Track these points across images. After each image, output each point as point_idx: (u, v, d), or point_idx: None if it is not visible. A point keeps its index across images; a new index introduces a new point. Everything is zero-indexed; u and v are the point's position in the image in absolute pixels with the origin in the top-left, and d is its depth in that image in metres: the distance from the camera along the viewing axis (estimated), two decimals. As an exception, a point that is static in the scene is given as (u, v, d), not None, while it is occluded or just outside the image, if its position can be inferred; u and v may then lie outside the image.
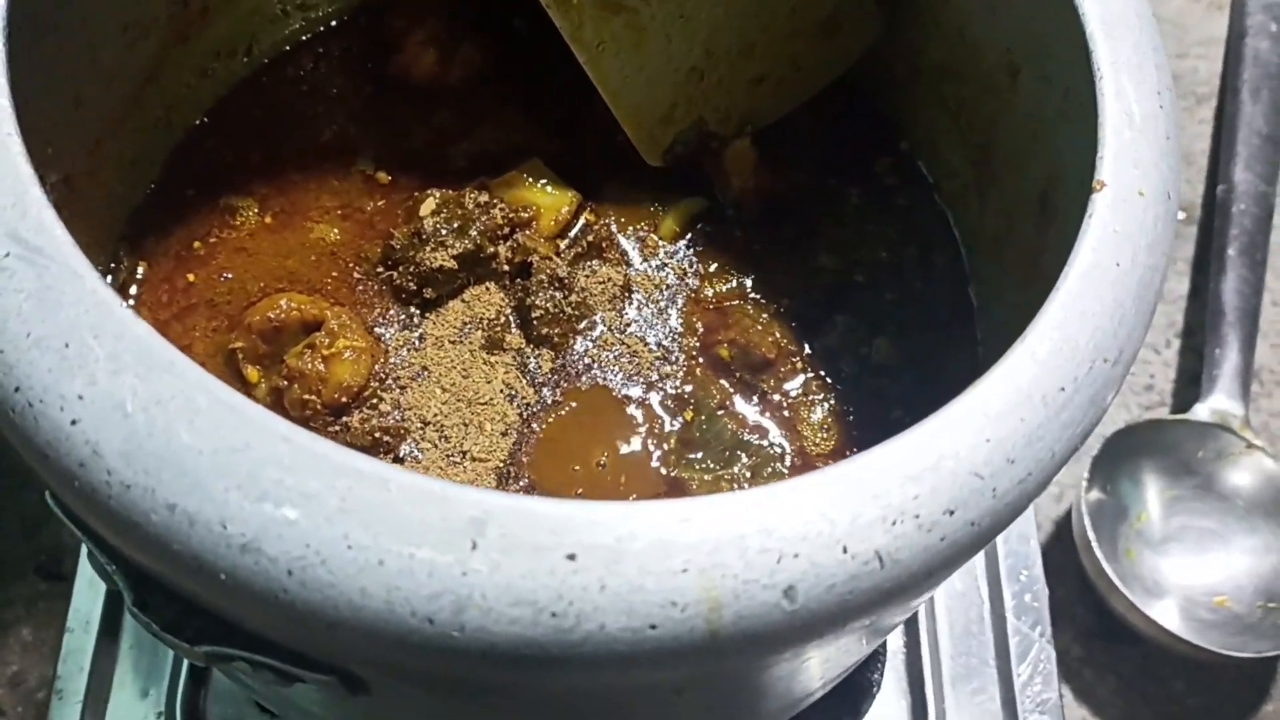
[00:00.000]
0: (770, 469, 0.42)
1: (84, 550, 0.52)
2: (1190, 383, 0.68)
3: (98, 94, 0.40)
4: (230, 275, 0.44)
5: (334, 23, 0.50)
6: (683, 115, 0.44)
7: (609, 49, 0.42)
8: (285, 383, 0.41)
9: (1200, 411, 0.64)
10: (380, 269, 0.44)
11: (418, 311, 0.43)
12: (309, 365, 0.41)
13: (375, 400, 0.41)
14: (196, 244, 0.44)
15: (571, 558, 0.24)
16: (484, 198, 0.44)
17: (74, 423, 0.25)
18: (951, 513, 0.25)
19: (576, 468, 0.41)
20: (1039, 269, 0.39)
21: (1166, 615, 0.60)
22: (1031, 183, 0.40)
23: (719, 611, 0.24)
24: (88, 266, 0.26)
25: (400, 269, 0.43)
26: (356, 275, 0.44)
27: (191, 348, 0.43)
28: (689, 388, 0.43)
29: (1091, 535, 0.59)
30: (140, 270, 0.44)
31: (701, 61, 0.43)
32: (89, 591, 0.50)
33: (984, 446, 0.26)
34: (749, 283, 0.45)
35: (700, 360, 0.44)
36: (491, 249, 0.44)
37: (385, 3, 0.49)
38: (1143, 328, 0.30)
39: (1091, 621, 0.62)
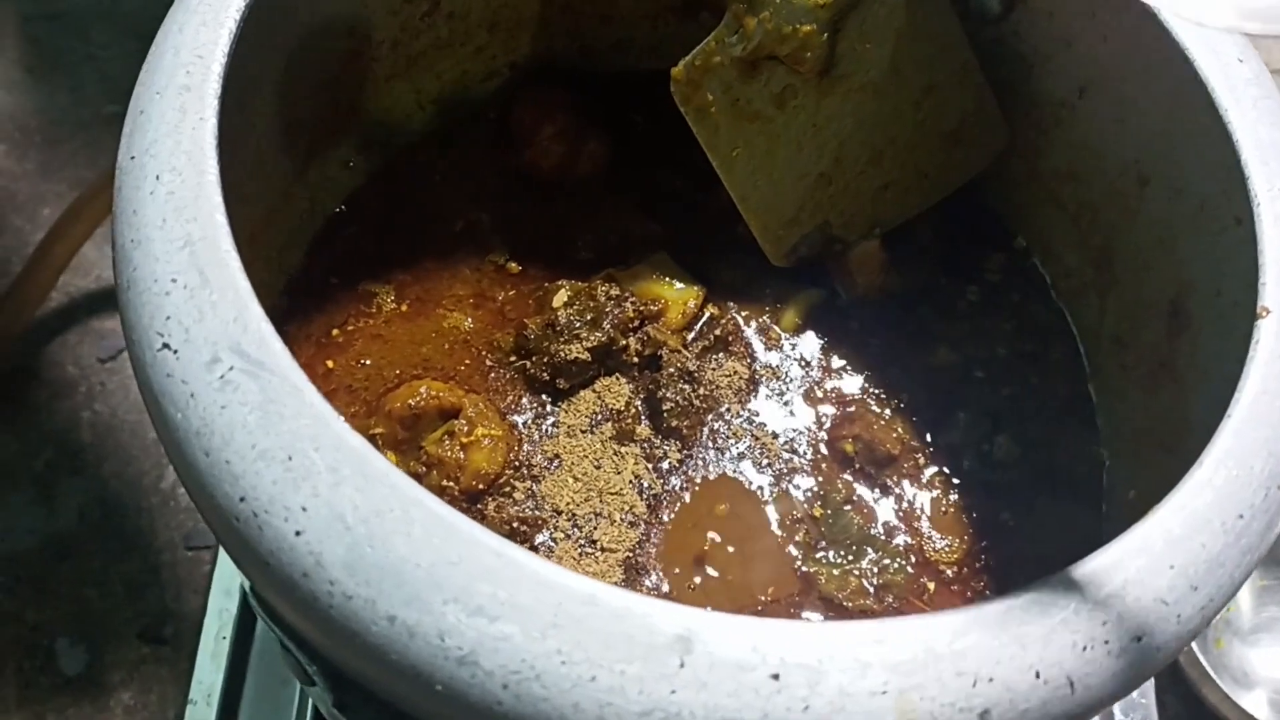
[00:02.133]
0: (896, 565, 0.43)
1: (206, 623, 0.53)
2: None
3: (257, 191, 0.42)
4: (368, 361, 0.45)
5: (464, 117, 0.51)
6: (808, 218, 0.46)
7: (742, 155, 0.43)
8: (424, 469, 0.42)
9: (1295, 502, 0.64)
10: (513, 358, 0.45)
11: (550, 400, 0.45)
12: (448, 452, 0.42)
13: (509, 488, 0.42)
14: (335, 331, 0.46)
15: (775, 677, 0.25)
16: (615, 290, 0.45)
17: (298, 533, 0.26)
18: (1139, 639, 0.26)
19: (704, 561, 0.42)
20: (1170, 373, 0.40)
21: (1257, 706, 0.60)
22: (1159, 289, 0.41)
23: (918, 734, 0.25)
24: (305, 380, 0.27)
25: (534, 359, 0.44)
26: (489, 363, 0.46)
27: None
28: (815, 481, 0.44)
29: (1189, 626, 0.59)
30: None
31: (830, 168, 0.44)
32: (211, 664, 0.51)
33: (1168, 573, 0.27)
34: (870, 377, 0.46)
35: (825, 454, 0.44)
36: (623, 341, 0.45)
37: (513, 98, 0.51)
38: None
39: (1181, 711, 0.62)
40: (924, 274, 0.49)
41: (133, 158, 0.30)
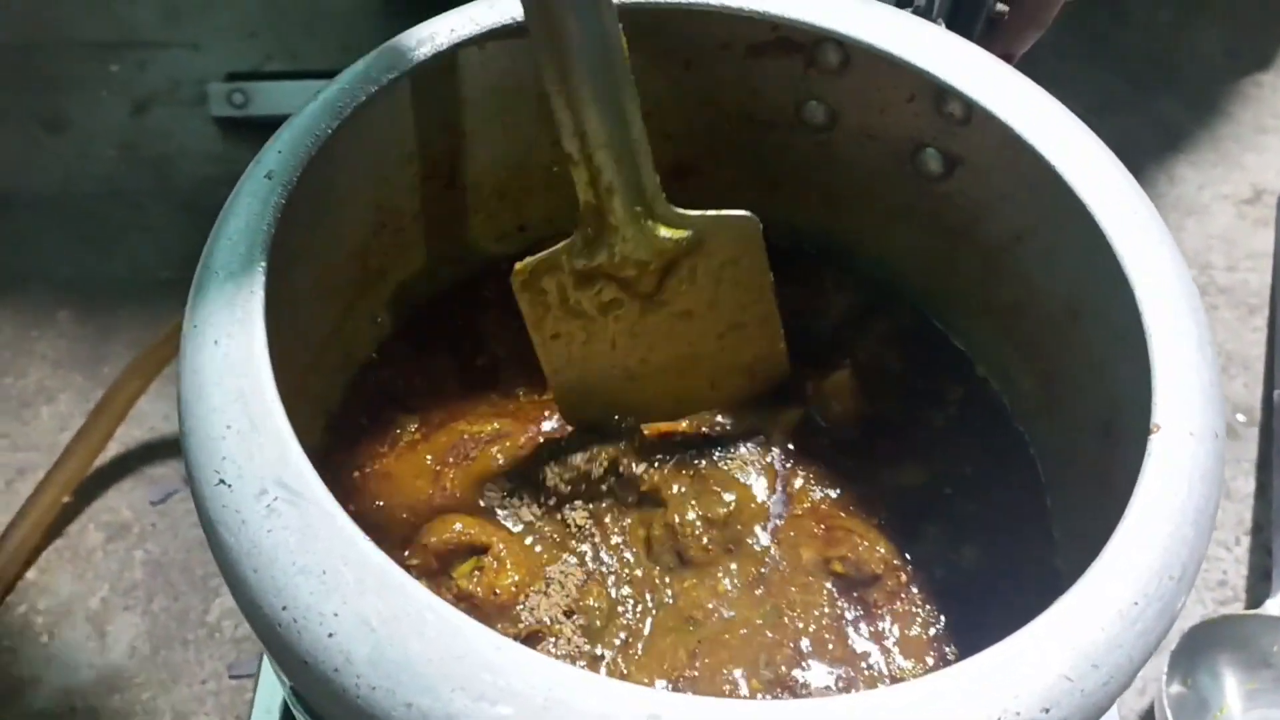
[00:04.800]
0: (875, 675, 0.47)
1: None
2: (1262, 577, 0.72)
3: (293, 350, 0.48)
4: (402, 493, 0.50)
5: (479, 271, 0.58)
6: (605, 400, 0.50)
7: (561, 340, 0.48)
8: (453, 600, 0.47)
9: (1272, 606, 0.67)
10: (528, 491, 0.50)
11: (565, 529, 0.50)
12: (476, 587, 0.46)
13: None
14: (355, 474, 0.51)
15: (733, 749, 0.29)
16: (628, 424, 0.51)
17: (330, 635, 0.31)
18: (1047, 710, 0.30)
19: (687, 661, 0.46)
20: (1107, 487, 0.45)
21: (1254, 809, 0.62)
22: (1094, 411, 0.46)
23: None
24: (337, 507, 0.33)
25: (544, 497, 0.50)
26: (513, 499, 0.50)
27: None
28: (801, 598, 0.48)
29: (1175, 728, 0.62)
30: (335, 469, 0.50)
31: (636, 369, 0.49)
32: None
33: (1070, 652, 0.31)
34: (847, 496, 0.51)
35: (812, 575, 0.49)
36: (634, 476, 0.50)
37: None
38: (1203, 545, 0.35)
39: (1182, 815, 0.64)
40: (893, 400, 0.54)
41: (195, 326, 0.36)
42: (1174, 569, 0.33)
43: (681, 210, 0.45)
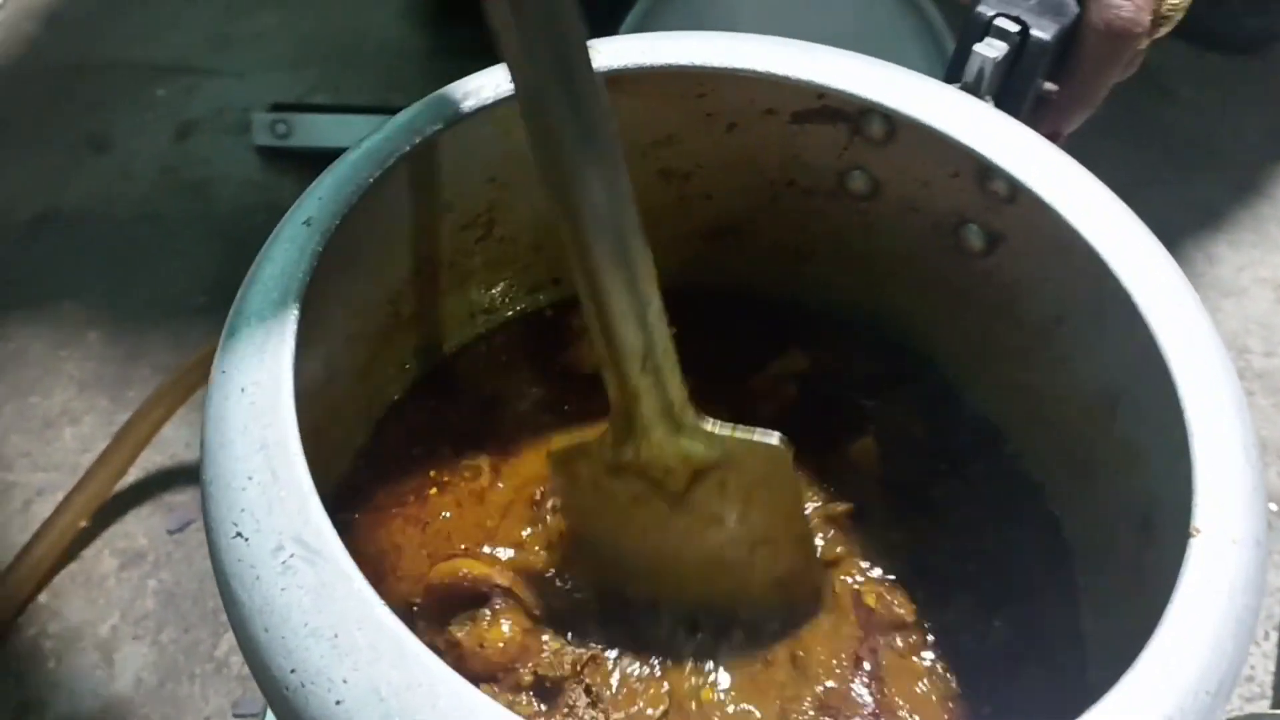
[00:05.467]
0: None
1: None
2: (1291, 675, 0.70)
3: (318, 392, 0.48)
4: (427, 530, 0.50)
5: (513, 321, 0.57)
6: (629, 582, 0.48)
7: (591, 518, 0.47)
8: (444, 646, 0.46)
9: (1302, 707, 0.65)
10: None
11: None
12: (467, 638, 0.46)
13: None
14: (395, 509, 0.50)
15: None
16: None
17: (338, 703, 0.30)
18: (1074, 822, 0.29)
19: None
20: (1140, 586, 0.44)
21: None
22: (1132, 503, 0.45)
23: None
24: (354, 568, 0.32)
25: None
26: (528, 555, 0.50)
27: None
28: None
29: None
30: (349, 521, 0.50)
31: (661, 565, 0.47)
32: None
33: (1103, 765, 0.30)
34: (877, 562, 0.50)
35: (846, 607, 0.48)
36: None
37: (558, 307, 0.57)
38: (1242, 657, 0.34)
39: None
40: (919, 473, 0.53)
41: (223, 372, 0.36)
42: (1210, 683, 0.32)
43: (710, 428, 0.43)
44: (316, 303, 0.40)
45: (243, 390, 0.35)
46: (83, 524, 0.74)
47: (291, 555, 0.32)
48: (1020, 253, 0.49)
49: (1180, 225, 0.96)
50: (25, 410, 0.81)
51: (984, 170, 0.47)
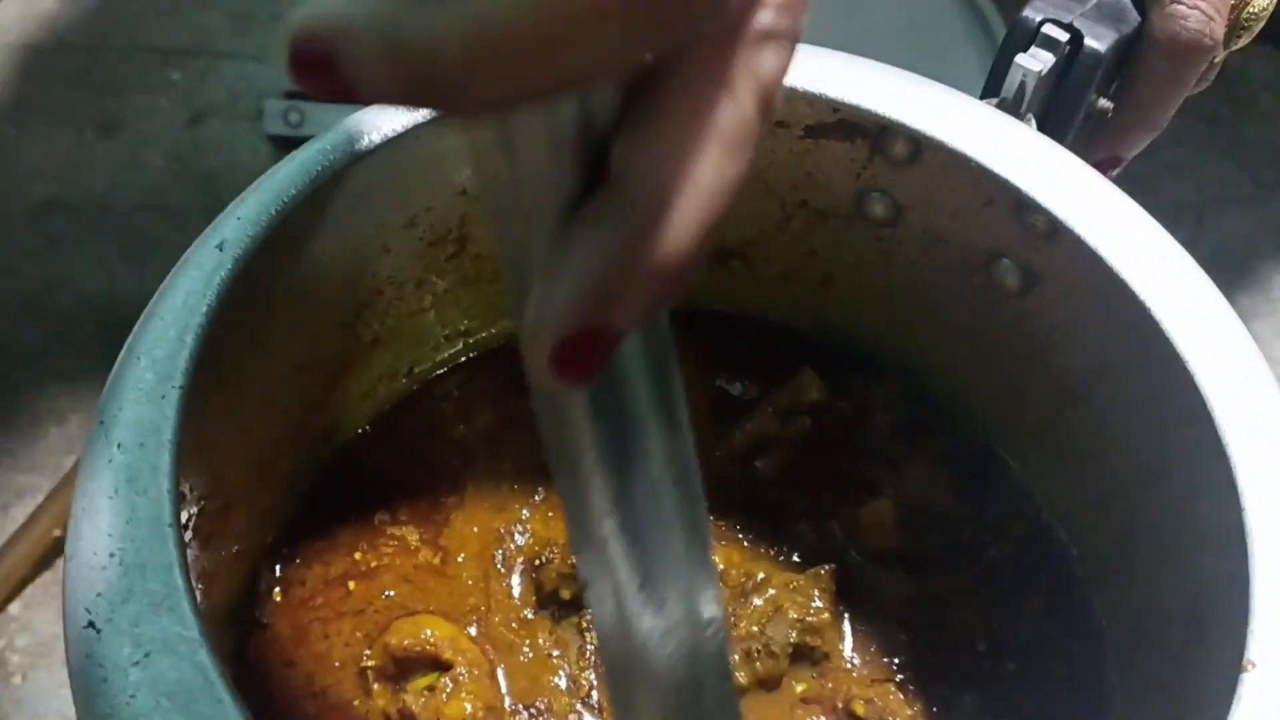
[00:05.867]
0: None
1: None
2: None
3: (267, 424, 0.43)
4: (391, 593, 0.45)
5: (494, 345, 0.52)
6: None
7: None
8: (396, 716, 0.42)
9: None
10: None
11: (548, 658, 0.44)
12: (421, 709, 0.41)
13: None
14: (358, 555, 0.45)
15: None
16: None
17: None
18: None
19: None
20: (1180, 694, 0.37)
21: None
22: (1176, 598, 0.39)
23: None
24: (226, 689, 0.27)
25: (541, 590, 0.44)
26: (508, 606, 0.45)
27: (329, 654, 0.43)
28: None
29: None
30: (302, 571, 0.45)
31: None
32: None
33: None
34: (884, 650, 0.44)
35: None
36: None
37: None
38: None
39: None
40: (941, 540, 0.47)
41: (100, 423, 0.31)
42: None
43: None
44: (241, 333, 0.35)
45: (118, 447, 0.31)
46: (57, 533, 0.70)
47: (147, 655, 0.27)
48: (1059, 296, 0.42)
49: (1257, 247, 0.88)
50: (12, 406, 0.78)
51: (1020, 202, 0.41)
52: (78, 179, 0.92)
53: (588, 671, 0.43)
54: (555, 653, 0.44)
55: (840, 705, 0.42)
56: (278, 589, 0.45)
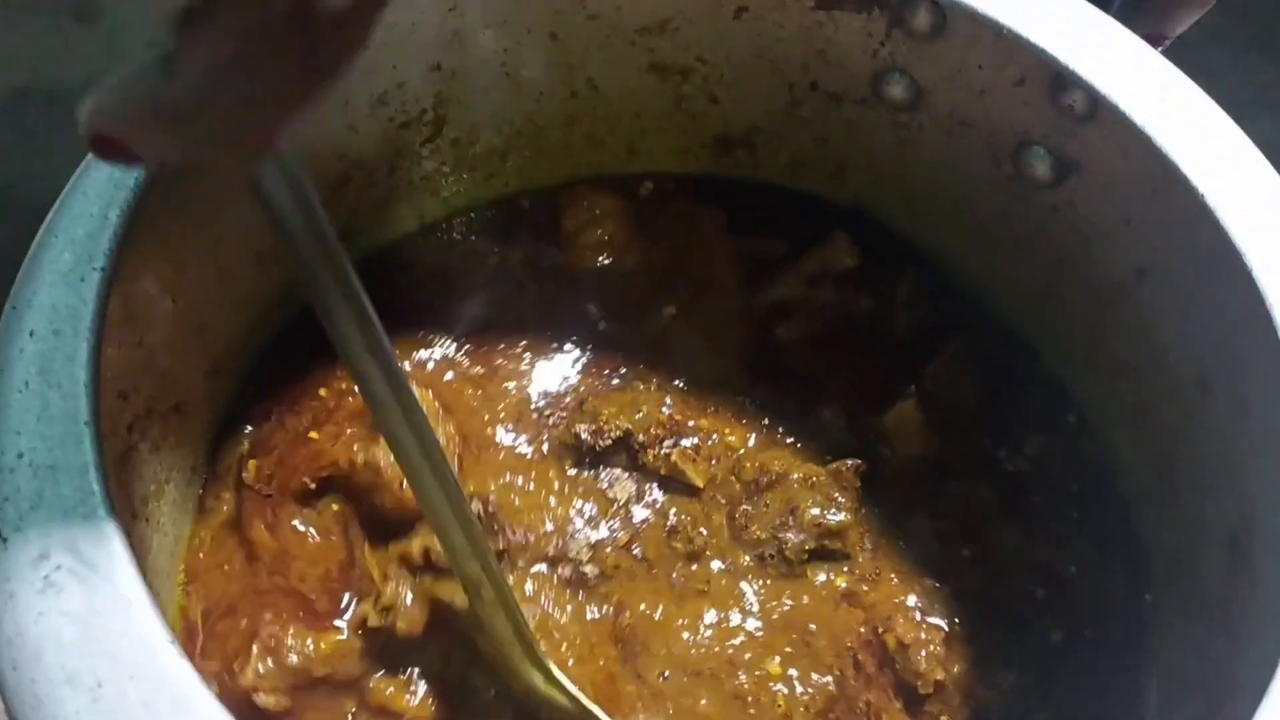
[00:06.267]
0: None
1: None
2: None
3: (225, 320, 0.39)
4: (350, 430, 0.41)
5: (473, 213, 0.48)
6: None
7: None
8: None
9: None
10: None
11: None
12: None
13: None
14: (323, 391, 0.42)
15: None
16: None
17: (91, 781, 0.22)
18: None
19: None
20: (1225, 622, 0.34)
21: None
22: (1220, 516, 0.35)
23: None
24: (141, 591, 0.24)
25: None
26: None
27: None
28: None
29: None
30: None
31: None
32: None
33: None
34: (916, 574, 0.41)
35: (858, 669, 0.39)
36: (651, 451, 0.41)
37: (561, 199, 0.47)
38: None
39: None
40: (968, 440, 0.43)
41: (13, 308, 0.28)
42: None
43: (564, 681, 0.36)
44: (177, 216, 0.32)
45: (30, 334, 0.27)
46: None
47: (58, 567, 0.24)
48: (1098, 186, 0.38)
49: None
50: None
51: (1057, 77, 0.37)
52: (53, 68, 0.88)
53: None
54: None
55: (866, 637, 0.39)
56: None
